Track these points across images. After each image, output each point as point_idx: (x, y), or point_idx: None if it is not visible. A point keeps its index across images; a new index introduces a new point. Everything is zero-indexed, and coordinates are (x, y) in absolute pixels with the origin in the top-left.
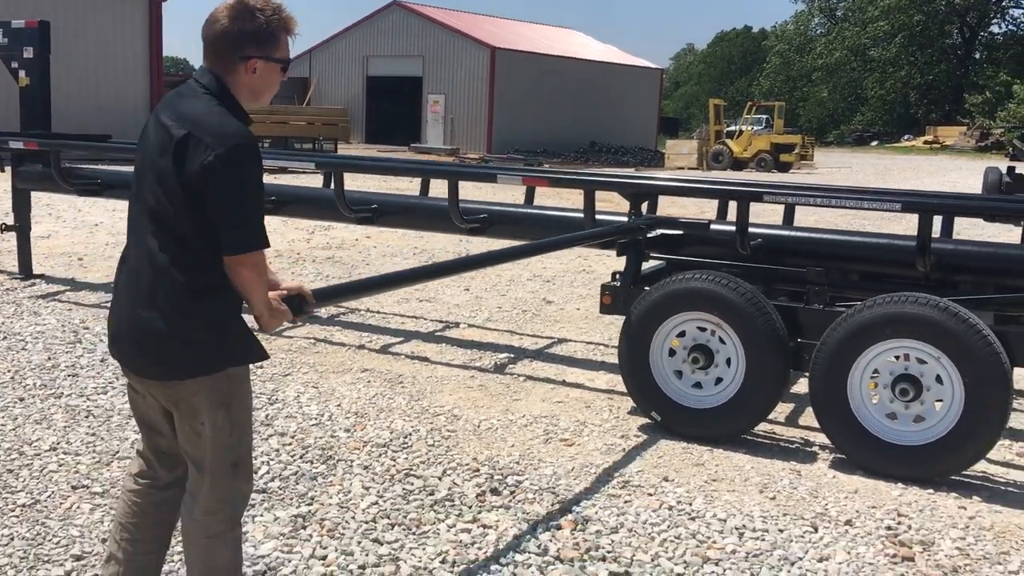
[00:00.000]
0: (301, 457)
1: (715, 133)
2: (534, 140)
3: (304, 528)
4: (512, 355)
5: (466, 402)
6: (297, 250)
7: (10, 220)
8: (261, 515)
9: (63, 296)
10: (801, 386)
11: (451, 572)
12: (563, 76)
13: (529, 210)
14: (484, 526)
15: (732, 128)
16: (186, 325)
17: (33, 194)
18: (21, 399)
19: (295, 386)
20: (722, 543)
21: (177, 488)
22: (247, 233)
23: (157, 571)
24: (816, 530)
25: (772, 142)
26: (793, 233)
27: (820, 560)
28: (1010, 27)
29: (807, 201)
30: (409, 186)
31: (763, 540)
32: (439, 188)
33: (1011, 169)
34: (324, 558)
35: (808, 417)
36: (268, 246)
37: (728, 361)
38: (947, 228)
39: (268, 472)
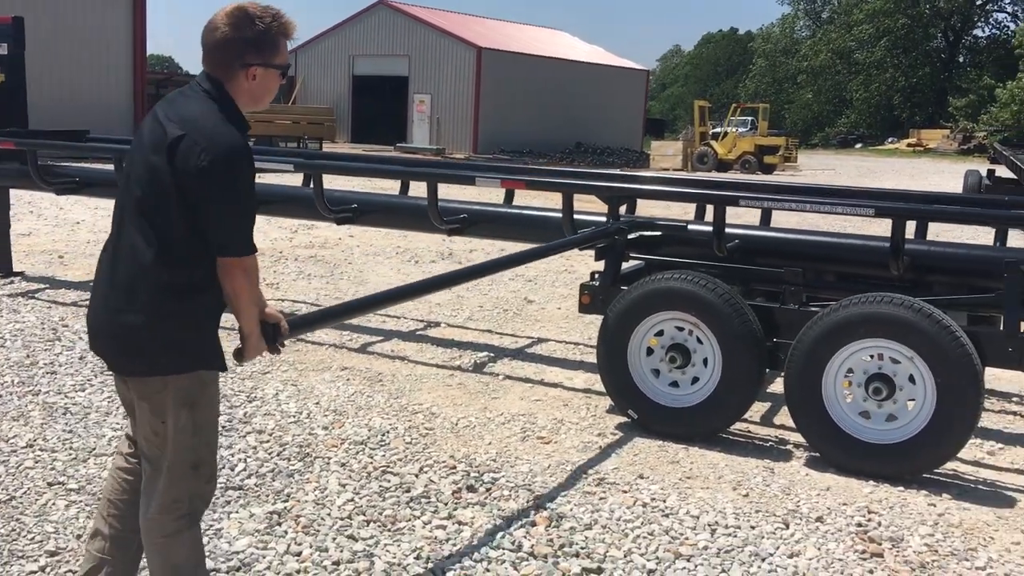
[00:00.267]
0: (278, 454)
1: (700, 135)
2: (520, 140)
3: (279, 524)
4: (492, 354)
5: (445, 400)
6: (280, 249)
7: None
8: (236, 512)
9: (43, 294)
10: (778, 386)
11: (425, 568)
12: (549, 77)
13: (509, 210)
14: (459, 523)
15: (717, 130)
16: (163, 323)
17: (14, 192)
18: None
19: (274, 384)
20: (694, 539)
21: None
22: (239, 235)
23: (137, 554)
24: (787, 526)
25: (756, 144)
26: (770, 234)
27: (790, 556)
28: (993, 31)
29: (782, 205)
30: (392, 185)
31: (735, 536)
32: (421, 187)
33: (991, 172)
34: (299, 554)
35: (784, 416)
36: (254, 251)
37: (705, 360)
38: (921, 229)
39: (245, 469)
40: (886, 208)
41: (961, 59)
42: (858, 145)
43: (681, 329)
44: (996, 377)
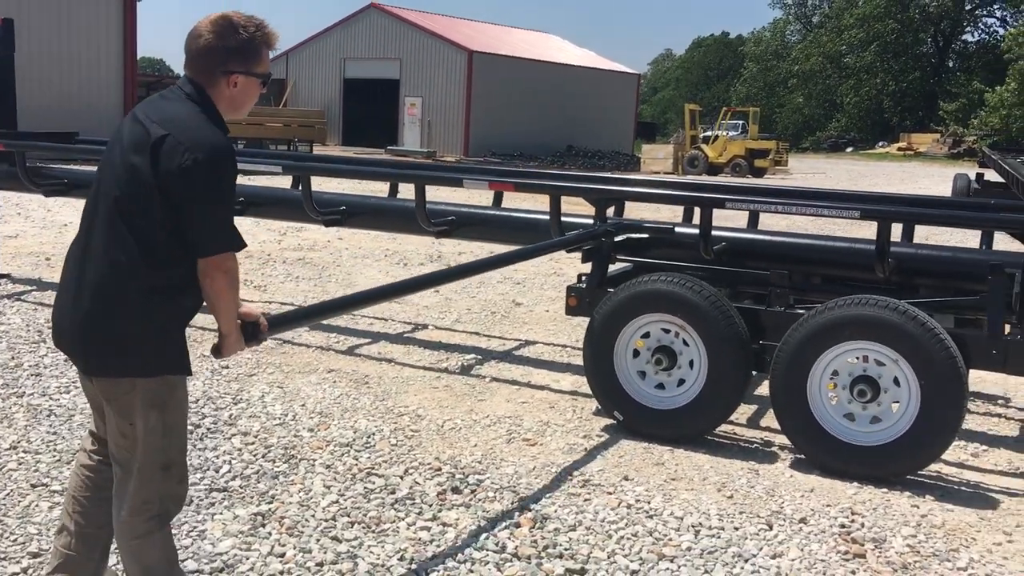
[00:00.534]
0: (263, 456)
1: (691, 138)
2: (511, 143)
3: (263, 526)
4: (479, 356)
5: (431, 402)
6: (268, 251)
7: None
8: (221, 513)
9: (29, 296)
10: (764, 388)
11: (408, 569)
12: (540, 80)
13: (496, 212)
14: (444, 524)
15: (708, 133)
16: (136, 325)
17: (2, 193)
18: None
19: (260, 386)
20: (678, 540)
21: None
22: (222, 235)
23: (107, 545)
24: (771, 528)
25: (747, 147)
26: (757, 236)
27: (773, 557)
28: (983, 36)
29: (768, 208)
30: (383, 187)
31: (718, 537)
32: (410, 189)
33: (980, 176)
34: (282, 555)
35: (769, 418)
36: (245, 245)
37: (691, 363)
38: (908, 232)
39: (229, 471)
40: (872, 211)
41: (951, 64)
42: (849, 149)
43: (667, 331)
44: (981, 379)
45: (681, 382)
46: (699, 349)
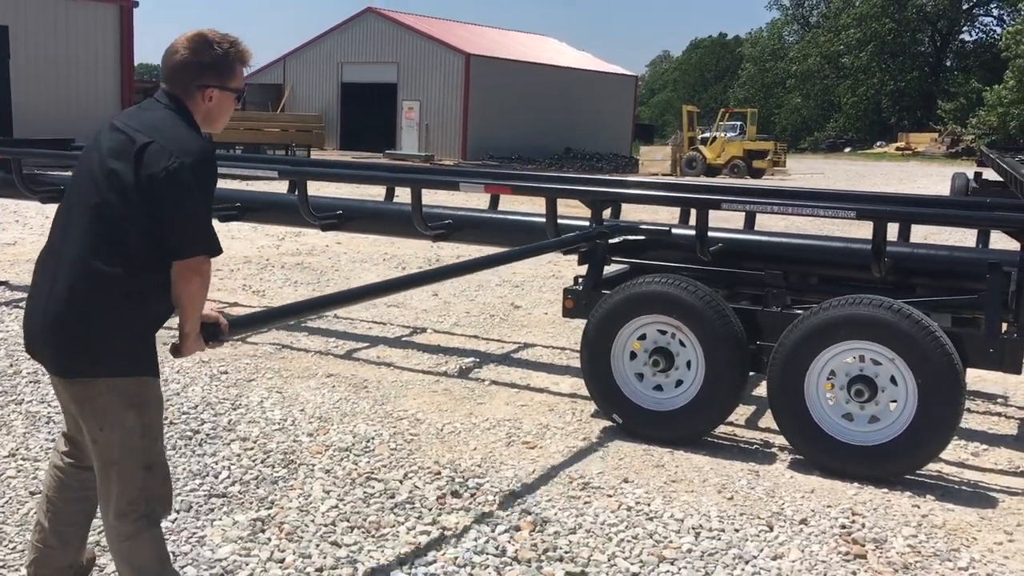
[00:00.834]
0: (262, 462)
1: (689, 140)
2: (509, 146)
3: (263, 532)
4: (478, 359)
5: (430, 406)
6: (266, 256)
7: None
8: (220, 519)
9: None
10: (763, 388)
11: (408, 573)
12: (538, 83)
13: (493, 215)
14: (444, 528)
15: (706, 135)
16: (110, 327)
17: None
18: None
19: (259, 391)
20: (678, 543)
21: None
22: (203, 239)
23: (82, 541)
24: (771, 529)
25: (745, 148)
26: (753, 237)
27: (774, 558)
28: (980, 35)
29: (764, 208)
30: (381, 191)
31: (719, 539)
32: (407, 192)
33: (978, 175)
34: (282, 561)
35: (768, 419)
36: (221, 251)
37: (688, 364)
38: (904, 232)
39: (228, 477)
40: (868, 210)
41: (948, 63)
42: (847, 149)
43: (664, 332)
44: (981, 378)
45: (679, 383)
46: (696, 350)
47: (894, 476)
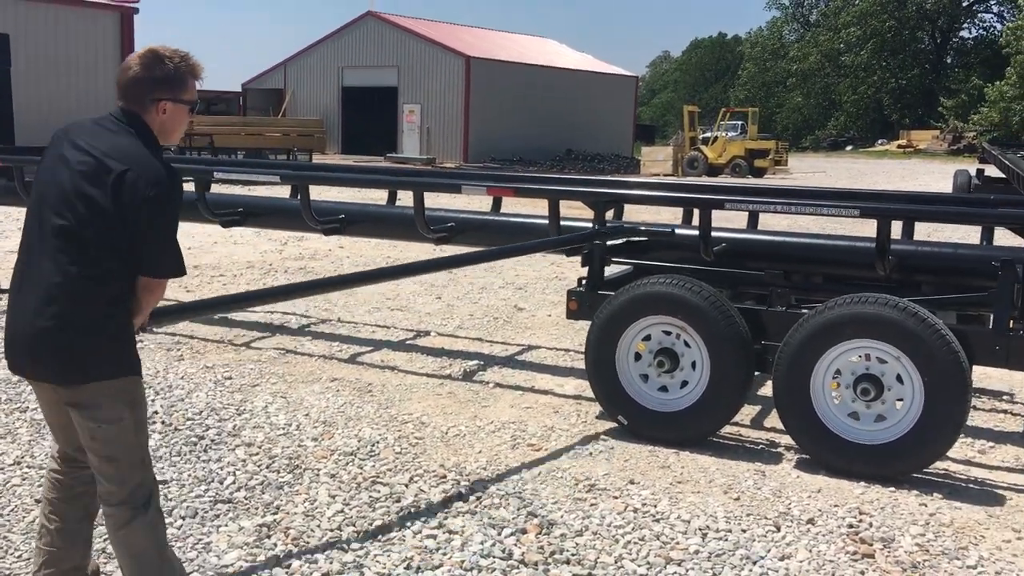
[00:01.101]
0: (268, 467)
1: (690, 140)
2: (511, 148)
3: (269, 537)
4: (482, 362)
5: (435, 409)
6: (269, 261)
7: None
8: (226, 525)
9: None
10: (768, 388)
11: None
12: (539, 84)
13: (495, 218)
14: (450, 532)
15: (707, 134)
16: (96, 332)
17: (1, 208)
18: None
19: (263, 396)
20: (685, 544)
21: (86, 467)
22: (174, 260)
23: (87, 541)
24: (778, 529)
25: (746, 148)
26: (757, 237)
27: (782, 559)
28: (980, 31)
29: (767, 208)
30: (383, 195)
31: (726, 540)
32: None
33: (980, 171)
34: (288, 566)
35: (774, 419)
36: (184, 273)
37: (693, 364)
38: (908, 229)
39: (234, 482)
40: (871, 208)
41: (949, 60)
42: (848, 147)
43: (668, 333)
44: (987, 376)
45: (684, 384)
46: (701, 350)
47: (901, 475)
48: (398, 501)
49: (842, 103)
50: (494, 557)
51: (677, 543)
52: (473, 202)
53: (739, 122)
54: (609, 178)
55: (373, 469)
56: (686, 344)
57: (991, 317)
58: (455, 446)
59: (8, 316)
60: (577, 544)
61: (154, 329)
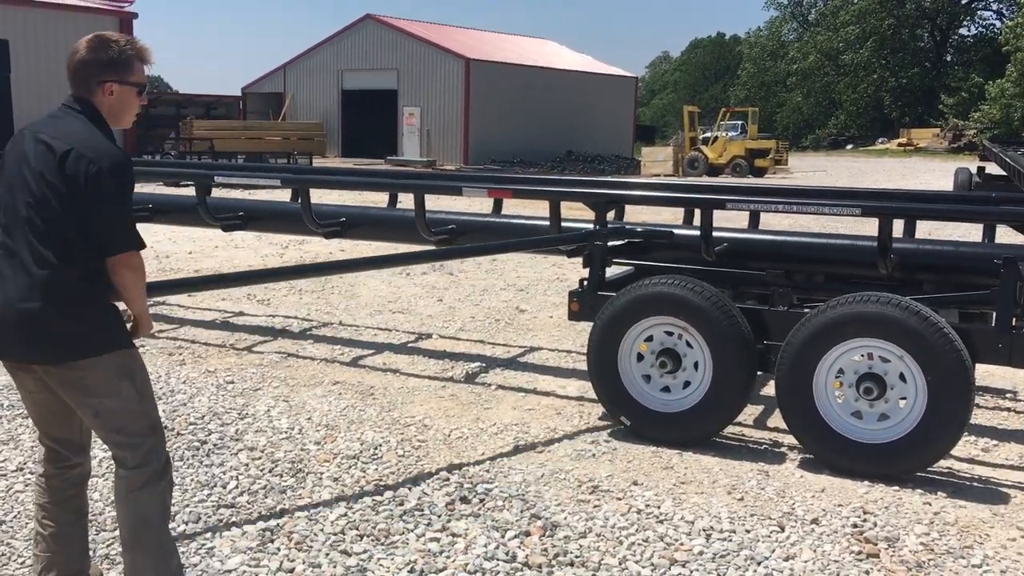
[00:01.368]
0: (270, 471)
1: (690, 140)
2: (511, 150)
3: (272, 541)
4: (484, 364)
5: (437, 412)
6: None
7: None
8: (229, 529)
9: None
10: (771, 388)
11: None
12: (538, 86)
13: (496, 219)
14: (453, 534)
15: (707, 135)
16: (83, 308)
17: None
18: None
19: (265, 400)
20: (689, 545)
21: (81, 467)
22: (124, 236)
23: (84, 541)
24: (783, 529)
25: (747, 148)
26: (758, 236)
27: (786, 559)
28: (980, 29)
29: (769, 207)
30: (383, 198)
31: (730, 541)
32: (410, 198)
33: (981, 169)
34: (292, 571)
35: (777, 419)
36: (144, 246)
37: (695, 364)
38: (910, 228)
39: (237, 487)
40: (872, 207)
41: (949, 58)
42: (849, 146)
43: (670, 334)
44: (990, 373)
45: (686, 384)
46: (703, 351)
47: (905, 474)
48: (401, 504)
49: (842, 102)
50: (498, 560)
51: (681, 544)
52: (474, 204)
53: (739, 122)
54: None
55: (376, 472)
56: (688, 344)
57: (993, 315)
58: (458, 449)
59: None
60: (581, 546)
61: (155, 334)
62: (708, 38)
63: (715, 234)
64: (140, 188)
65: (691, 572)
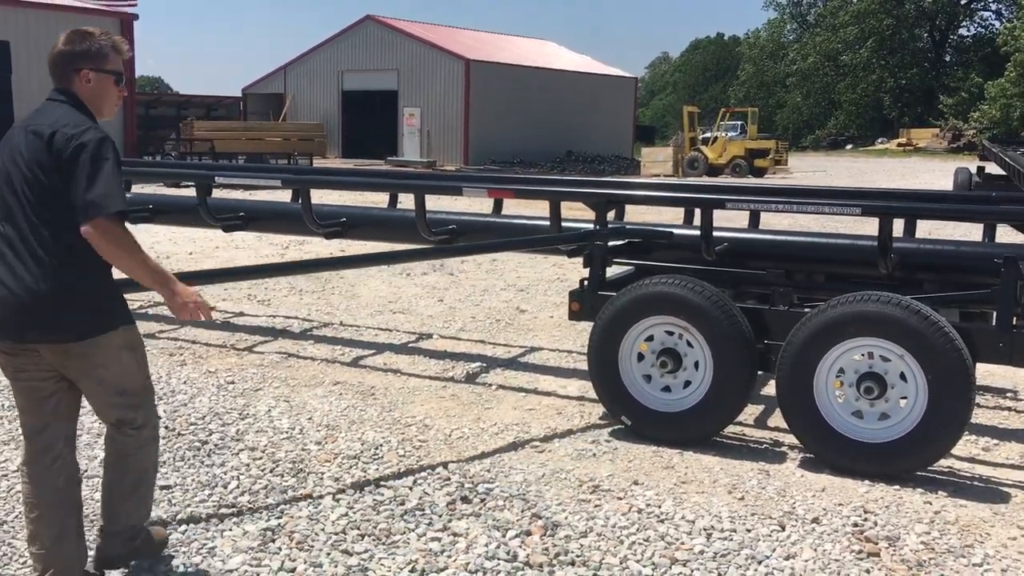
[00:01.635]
0: (271, 471)
1: (690, 140)
2: (511, 151)
3: (273, 541)
4: (484, 364)
5: (438, 412)
6: None
7: None
8: (230, 529)
9: None
10: (772, 388)
11: None
12: (538, 87)
13: (497, 219)
14: (454, 534)
15: (707, 135)
16: (88, 288)
17: None
18: None
19: (266, 400)
20: (690, 544)
21: (66, 455)
22: (97, 201)
23: (79, 538)
24: (783, 529)
25: (746, 148)
26: (758, 236)
27: (787, 558)
28: (979, 29)
29: (769, 207)
30: (384, 198)
31: (731, 540)
32: (411, 199)
33: (980, 169)
34: (293, 571)
35: (777, 418)
36: (122, 208)
37: (696, 364)
38: (910, 228)
39: (238, 487)
40: (873, 207)
41: (948, 58)
42: (848, 146)
43: (671, 333)
44: (990, 373)
45: (687, 384)
46: (703, 350)
47: (905, 473)
48: (402, 504)
49: (841, 102)
50: (499, 559)
51: (682, 543)
52: (474, 204)
53: (739, 122)
54: (610, 179)
55: (377, 472)
56: (689, 344)
57: (994, 314)
58: (458, 448)
59: None
60: (582, 545)
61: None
62: (708, 39)
63: (715, 234)
64: (140, 188)
65: (692, 571)
